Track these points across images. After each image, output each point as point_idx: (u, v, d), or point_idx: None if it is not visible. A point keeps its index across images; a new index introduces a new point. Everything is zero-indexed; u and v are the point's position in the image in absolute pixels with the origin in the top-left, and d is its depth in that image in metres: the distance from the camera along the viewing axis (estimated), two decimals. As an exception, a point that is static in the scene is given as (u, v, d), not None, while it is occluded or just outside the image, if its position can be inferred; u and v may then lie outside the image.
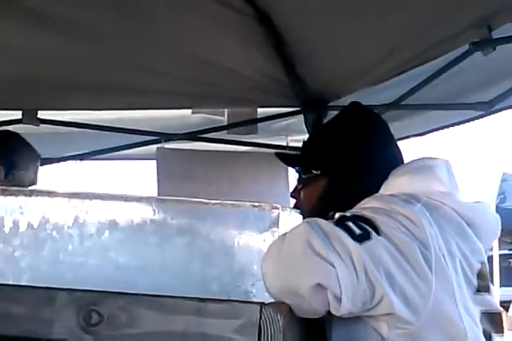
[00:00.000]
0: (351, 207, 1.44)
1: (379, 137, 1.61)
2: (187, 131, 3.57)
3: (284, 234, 1.31)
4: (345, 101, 3.20)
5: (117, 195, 1.52)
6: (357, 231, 1.26)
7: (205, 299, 1.23)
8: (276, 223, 1.42)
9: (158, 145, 3.53)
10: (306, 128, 3.34)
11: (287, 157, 1.75)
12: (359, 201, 1.46)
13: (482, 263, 1.42)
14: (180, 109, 3.31)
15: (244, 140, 3.64)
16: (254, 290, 1.38)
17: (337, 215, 1.33)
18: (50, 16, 2.57)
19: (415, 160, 1.56)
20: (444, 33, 2.29)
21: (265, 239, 1.40)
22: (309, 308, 1.24)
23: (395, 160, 1.58)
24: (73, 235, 1.47)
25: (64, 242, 1.46)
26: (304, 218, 1.55)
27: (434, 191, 1.47)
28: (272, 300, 1.28)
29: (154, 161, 3.53)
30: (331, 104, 3.22)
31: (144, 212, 1.47)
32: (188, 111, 3.34)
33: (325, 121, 3.37)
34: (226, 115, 3.43)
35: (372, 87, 2.91)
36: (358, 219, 1.30)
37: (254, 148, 3.71)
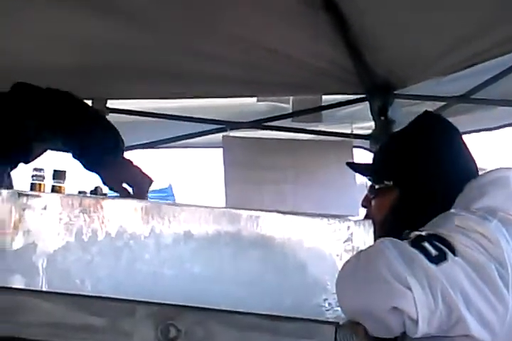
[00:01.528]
0: (424, 220, 1.42)
1: (454, 148, 1.58)
2: (252, 119, 3.57)
3: (360, 253, 1.31)
4: (412, 89, 3.21)
5: (191, 205, 1.54)
6: (433, 252, 1.25)
7: (281, 317, 1.24)
8: (350, 237, 1.42)
9: (224, 133, 3.52)
10: (372, 115, 3.35)
11: (359, 166, 1.74)
12: (432, 214, 1.44)
13: None
14: (246, 97, 3.32)
15: (308, 128, 3.63)
16: (327, 305, 1.39)
17: (412, 235, 1.32)
18: (116, 5, 2.58)
19: (491, 171, 1.53)
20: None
21: (339, 253, 1.41)
22: (385, 329, 1.25)
23: (470, 172, 1.55)
24: (149, 244, 1.50)
25: (140, 252, 1.50)
26: (374, 229, 1.55)
27: (508, 205, 1.44)
28: (344, 318, 1.29)
29: (221, 149, 3.52)
30: (396, 92, 3.21)
31: (218, 223, 1.48)
32: (254, 99, 3.35)
33: (390, 109, 3.37)
34: (291, 103, 3.42)
35: (440, 78, 2.85)
36: (434, 238, 1.29)
37: (319, 136, 3.68)
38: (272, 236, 1.45)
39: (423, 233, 1.32)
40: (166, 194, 13.51)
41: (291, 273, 1.42)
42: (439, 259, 1.24)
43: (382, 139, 3.55)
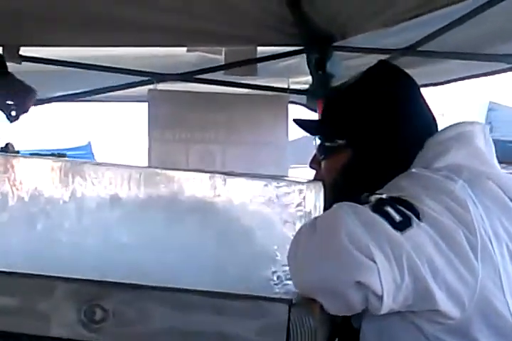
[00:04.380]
0: (381, 182, 1.32)
1: (413, 101, 1.46)
2: (181, 72, 3.43)
3: (315, 220, 1.18)
4: (352, 41, 3.09)
5: (118, 165, 1.37)
6: (397, 217, 1.15)
7: (225, 294, 1.10)
8: (301, 201, 1.28)
9: (150, 86, 3.38)
10: (309, 69, 3.25)
11: (306, 123, 1.59)
12: (390, 175, 1.34)
13: None
14: (175, 47, 3.14)
15: (242, 81, 3.50)
16: (275, 278, 1.26)
17: (373, 198, 1.20)
18: None
19: (453, 126, 1.42)
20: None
21: (289, 219, 1.27)
22: (345, 307, 1.14)
23: (429, 127, 1.44)
24: (70, 210, 1.33)
25: (59, 219, 1.32)
26: (325, 193, 1.42)
27: (475, 163, 1.34)
28: (296, 293, 1.16)
29: (146, 104, 3.37)
30: (336, 44, 3.11)
31: (151, 185, 1.32)
32: (183, 50, 3.18)
33: (328, 62, 3.26)
34: (223, 54, 3.27)
35: (384, 29, 2.75)
36: (396, 202, 1.18)
37: (253, 90, 3.55)
38: (213, 200, 1.30)
39: (384, 196, 1.22)
40: (85, 152, 13.19)
41: (235, 242, 1.28)
42: (403, 225, 1.14)
43: (320, 94, 3.49)
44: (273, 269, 1.25)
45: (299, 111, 3.67)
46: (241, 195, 1.28)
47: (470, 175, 1.29)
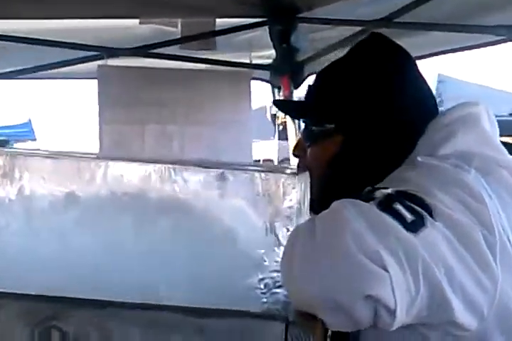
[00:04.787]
0: (378, 173, 1.19)
1: (412, 79, 1.31)
2: (134, 46, 3.24)
3: (313, 221, 1.02)
4: (319, 13, 2.95)
5: (73, 154, 1.19)
6: (408, 216, 1.01)
7: (208, 311, 0.94)
8: (290, 196, 1.13)
9: (100, 61, 3.15)
10: (272, 42, 3.12)
11: (288, 105, 1.43)
12: (389, 164, 1.20)
13: None
14: (126, 19, 2.97)
15: (200, 56, 3.33)
16: (262, 286, 1.11)
17: (378, 193, 1.05)
18: None
19: (457, 107, 1.28)
20: None
21: (277, 219, 1.11)
22: (350, 322, 1.00)
23: (430, 109, 1.29)
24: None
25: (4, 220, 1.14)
26: (312, 185, 1.27)
27: (485, 149, 1.21)
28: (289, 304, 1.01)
29: (96, 81, 3.13)
30: (301, 15, 2.98)
31: (107, 181, 1.14)
32: (135, 22, 3.00)
33: (293, 35, 3.12)
34: (179, 26, 3.10)
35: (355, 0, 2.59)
36: (405, 198, 1.04)
37: (212, 65, 3.38)
38: (188, 197, 1.12)
39: (390, 191, 1.07)
40: (26, 129, 12.81)
41: (215, 245, 1.11)
42: (416, 225, 1.01)
43: (284, 70, 3.35)
44: (260, 276, 1.10)
45: (262, 88, 3.53)
46: (219, 189, 1.11)
47: (481, 162, 1.17)
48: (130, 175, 1.12)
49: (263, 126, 6.51)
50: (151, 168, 1.10)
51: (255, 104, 3.42)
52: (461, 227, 1.04)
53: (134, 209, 1.13)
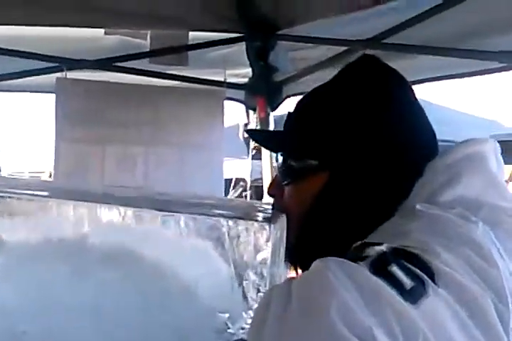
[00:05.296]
0: (368, 221, 1.05)
1: (409, 110, 1.14)
2: (97, 58, 3.08)
3: (288, 286, 0.84)
4: (300, 30, 2.86)
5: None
6: (407, 282, 0.86)
7: None
8: (263, 246, 0.94)
9: (59, 74, 2.98)
10: (249, 60, 3.06)
11: (265, 136, 1.26)
12: (381, 211, 1.05)
13: None
14: (90, 28, 2.81)
15: (170, 72, 3.20)
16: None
17: (371, 251, 0.89)
18: None
19: (460, 145, 1.13)
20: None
21: (246, 274, 0.91)
22: None
23: (430, 146, 1.13)
24: None
25: None
26: (288, 231, 1.10)
27: (493, 196, 1.07)
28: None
29: (53, 95, 2.98)
30: (281, 32, 2.91)
31: (49, 224, 0.95)
32: (101, 32, 2.85)
33: (272, 52, 3.01)
34: (149, 39, 2.98)
35: (341, 17, 2.49)
36: (403, 258, 0.89)
37: (183, 82, 3.24)
38: (140, 244, 0.93)
39: (384, 248, 0.91)
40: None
41: (170, 307, 0.92)
42: (416, 294, 0.86)
43: (260, 89, 3.22)
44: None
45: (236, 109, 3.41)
46: (177, 239, 0.92)
47: (489, 212, 1.04)
48: (75, 217, 0.94)
49: (236, 144, 6.36)
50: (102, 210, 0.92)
51: (228, 121, 3.28)
52: (470, 295, 0.90)
53: (75, 257, 0.94)
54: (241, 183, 8.36)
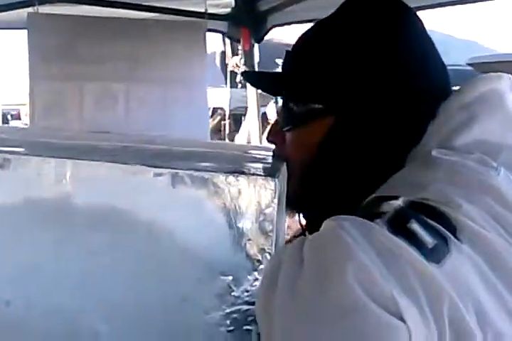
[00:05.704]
0: (378, 168, 0.99)
1: (419, 43, 1.06)
2: (69, -10, 2.89)
3: (298, 249, 0.78)
4: None
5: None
6: (429, 241, 0.80)
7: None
8: (267, 201, 0.88)
9: (30, 8, 2.82)
10: None
11: (263, 78, 1.18)
12: (391, 157, 0.99)
13: None
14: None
15: (148, 3, 3.03)
16: (228, 322, 0.86)
17: (387, 206, 0.83)
18: None
19: (475, 82, 1.05)
20: None
21: (249, 232, 0.85)
22: None
23: (441, 84, 1.06)
24: None
25: None
26: (290, 178, 1.03)
27: (510, 136, 1.00)
28: None
29: (25, 31, 2.83)
30: None
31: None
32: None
33: None
34: None
35: None
36: (423, 213, 0.83)
37: (162, 14, 3.09)
38: (132, 203, 0.86)
39: (401, 202, 0.85)
40: None
41: (165, 270, 0.86)
42: (439, 253, 0.80)
43: (244, 20, 3.08)
44: (226, 310, 0.85)
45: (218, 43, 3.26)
46: (173, 196, 0.86)
47: (510, 156, 0.96)
48: (52, 174, 0.86)
49: (212, 73, 6.23)
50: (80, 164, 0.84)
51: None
52: (494, 250, 0.84)
53: (59, 221, 0.87)
54: (219, 111, 8.25)
